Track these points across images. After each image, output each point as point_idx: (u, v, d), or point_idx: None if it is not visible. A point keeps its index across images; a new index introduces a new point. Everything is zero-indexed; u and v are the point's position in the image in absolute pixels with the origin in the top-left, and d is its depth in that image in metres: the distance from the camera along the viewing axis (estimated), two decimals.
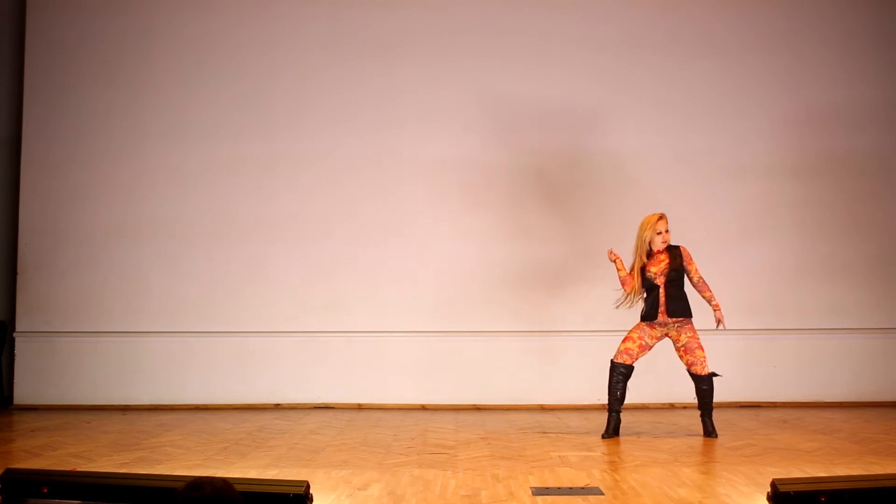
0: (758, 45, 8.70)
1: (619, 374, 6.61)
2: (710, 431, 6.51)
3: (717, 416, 7.39)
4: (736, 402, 8.18)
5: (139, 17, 8.76)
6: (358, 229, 8.58)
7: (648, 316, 6.56)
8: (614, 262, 6.69)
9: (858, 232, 8.56)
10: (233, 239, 8.59)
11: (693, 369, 6.55)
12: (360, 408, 8.34)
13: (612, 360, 6.66)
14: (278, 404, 8.41)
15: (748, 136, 8.63)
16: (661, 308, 6.52)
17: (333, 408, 8.35)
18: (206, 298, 8.52)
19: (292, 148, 8.66)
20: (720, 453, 5.84)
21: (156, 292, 8.54)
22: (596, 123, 8.64)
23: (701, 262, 6.76)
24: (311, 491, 4.14)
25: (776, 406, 8.21)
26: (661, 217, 6.62)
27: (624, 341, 6.64)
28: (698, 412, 6.65)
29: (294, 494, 4.04)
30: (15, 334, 8.58)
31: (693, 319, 6.54)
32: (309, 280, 8.55)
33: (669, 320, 6.51)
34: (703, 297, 6.60)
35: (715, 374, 6.56)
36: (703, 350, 6.53)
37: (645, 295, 6.60)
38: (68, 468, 5.22)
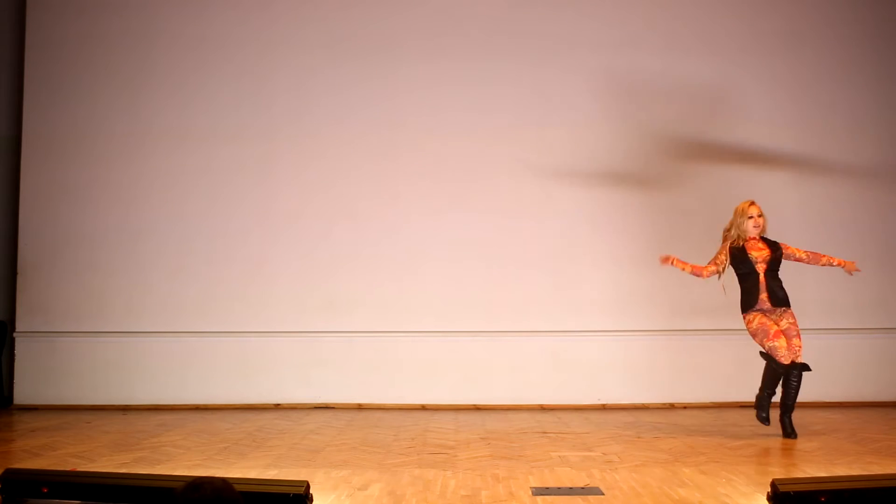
0: (757, 46, 8.70)
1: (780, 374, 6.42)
2: (789, 432, 6.38)
3: (718, 416, 7.41)
4: (736, 402, 8.17)
5: (139, 17, 8.76)
6: (358, 229, 8.58)
7: (749, 304, 6.43)
8: (672, 264, 6.58)
9: (858, 232, 8.56)
10: (233, 239, 8.59)
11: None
12: (360, 408, 8.34)
13: (774, 360, 6.38)
14: (278, 404, 8.41)
15: (747, 134, 8.63)
16: (763, 295, 6.42)
17: (333, 408, 8.35)
18: (206, 298, 8.52)
19: (292, 148, 8.66)
20: (720, 453, 5.83)
21: (156, 292, 8.54)
22: (596, 123, 8.63)
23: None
24: (311, 491, 4.14)
25: (776, 406, 8.18)
26: (752, 203, 6.56)
27: (775, 337, 6.35)
28: (775, 411, 6.54)
29: (294, 494, 4.04)
30: (15, 334, 8.58)
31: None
32: (309, 280, 8.55)
33: (774, 308, 6.43)
34: (822, 264, 6.57)
35: (806, 367, 6.39)
36: (800, 339, 6.39)
37: (737, 279, 6.51)
38: (68, 468, 5.22)
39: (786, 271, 8.45)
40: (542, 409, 8.24)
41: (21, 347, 8.55)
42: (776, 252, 6.52)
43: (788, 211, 8.55)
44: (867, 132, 8.65)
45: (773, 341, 6.38)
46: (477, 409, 8.30)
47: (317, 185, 8.62)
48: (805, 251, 6.61)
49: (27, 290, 8.58)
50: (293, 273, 8.55)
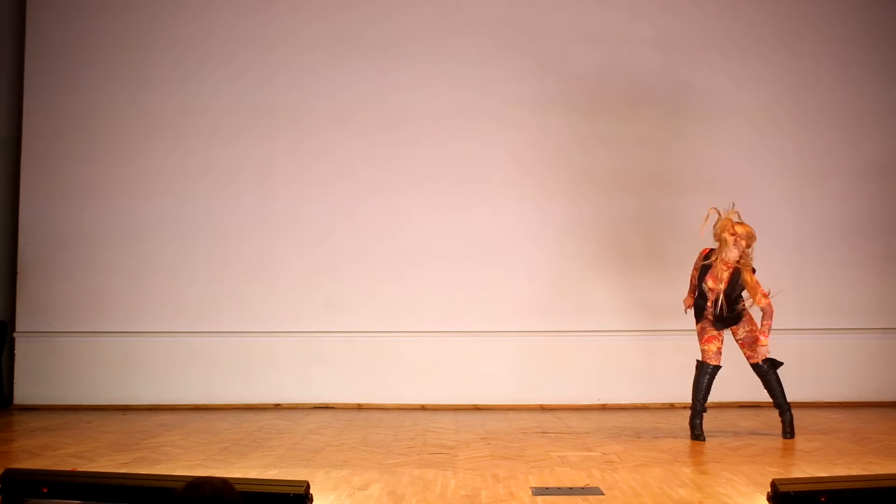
0: (757, 45, 8.69)
1: (709, 375, 6.49)
2: (787, 431, 6.42)
3: (718, 416, 7.40)
4: (736, 402, 8.18)
5: (139, 17, 8.76)
6: (358, 229, 8.58)
7: (698, 317, 6.53)
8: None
9: (858, 232, 8.56)
10: (233, 239, 8.59)
11: (751, 361, 6.50)
12: (360, 408, 8.34)
13: (700, 361, 6.51)
14: (278, 404, 8.41)
15: (747, 135, 8.63)
16: (710, 318, 6.46)
17: (333, 408, 8.35)
18: (206, 298, 8.52)
19: (292, 148, 8.66)
20: (720, 453, 5.84)
21: (156, 292, 8.54)
22: (598, 124, 8.63)
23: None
24: (311, 491, 4.14)
25: (769, 408, 8.19)
26: (742, 223, 6.39)
27: (707, 342, 6.49)
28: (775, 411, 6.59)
29: (294, 494, 4.04)
30: (15, 334, 8.58)
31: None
32: (309, 280, 8.54)
33: (727, 326, 6.49)
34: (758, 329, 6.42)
35: (775, 363, 6.45)
36: (762, 340, 6.39)
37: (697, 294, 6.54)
38: (68, 468, 5.22)
39: (785, 271, 8.48)
40: (542, 409, 8.24)
41: (21, 347, 8.54)
42: (734, 283, 6.36)
43: (788, 210, 8.56)
44: (868, 132, 8.65)
45: (704, 344, 6.50)
46: (477, 409, 8.29)
47: (317, 185, 8.62)
48: (764, 305, 6.29)
49: (27, 289, 8.58)
50: (293, 273, 8.55)
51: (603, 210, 8.55)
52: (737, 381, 8.14)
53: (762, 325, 6.36)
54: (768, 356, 6.47)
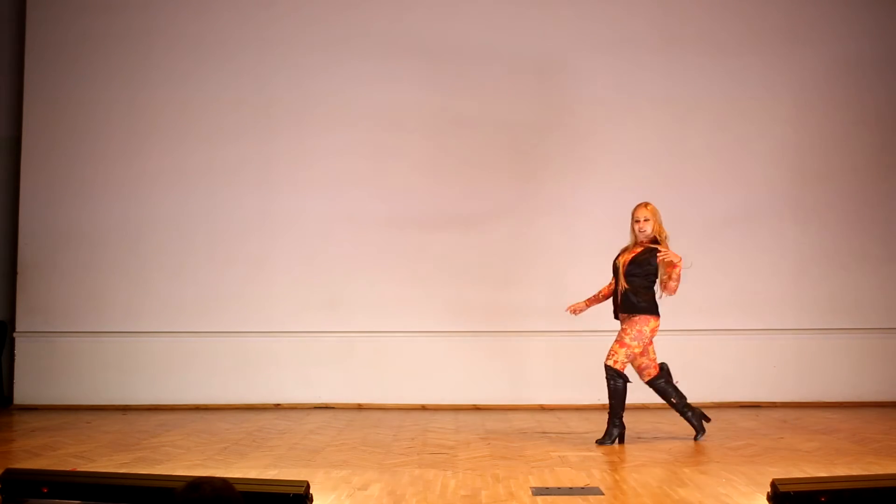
0: (756, 43, 8.69)
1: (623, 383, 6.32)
2: (608, 438, 6.23)
3: (718, 416, 7.39)
4: (736, 402, 8.18)
5: (139, 17, 8.76)
6: (358, 229, 8.58)
7: (614, 313, 6.37)
8: (581, 311, 6.53)
9: (858, 231, 8.56)
10: (233, 239, 8.59)
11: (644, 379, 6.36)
12: (360, 408, 8.34)
13: (612, 369, 6.28)
14: (278, 404, 8.41)
15: (749, 133, 8.62)
16: (617, 304, 6.27)
17: (333, 408, 8.35)
18: (206, 298, 8.52)
19: (292, 148, 8.66)
20: (720, 453, 5.83)
21: (156, 292, 8.54)
22: (594, 124, 8.64)
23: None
24: (311, 491, 4.14)
25: (776, 406, 8.21)
26: (640, 205, 6.26)
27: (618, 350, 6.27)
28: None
29: (294, 494, 4.04)
30: (15, 334, 8.58)
31: (642, 317, 6.16)
32: (309, 280, 8.55)
33: (620, 316, 6.29)
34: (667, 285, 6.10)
35: (619, 376, 6.21)
36: (620, 346, 6.18)
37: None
38: (68, 468, 5.22)
39: (786, 272, 8.49)
40: (542, 409, 8.24)
41: (21, 347, 8.54)
42: (642, 256, 6.14)
43: (788, 210, 8.56)
44: (868, 131, 8.65)
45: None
46: (477, 409, 8.29)
47: (317, 185, 8.62)
48: (671, 281, 6.09)
49: (27, 290, 8.58)
50: (293, 273, 8.55)
51: (603, 209, 8.54)
52: (737, 382, 8.18)
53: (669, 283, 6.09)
54: (611, 366, 6.23)
